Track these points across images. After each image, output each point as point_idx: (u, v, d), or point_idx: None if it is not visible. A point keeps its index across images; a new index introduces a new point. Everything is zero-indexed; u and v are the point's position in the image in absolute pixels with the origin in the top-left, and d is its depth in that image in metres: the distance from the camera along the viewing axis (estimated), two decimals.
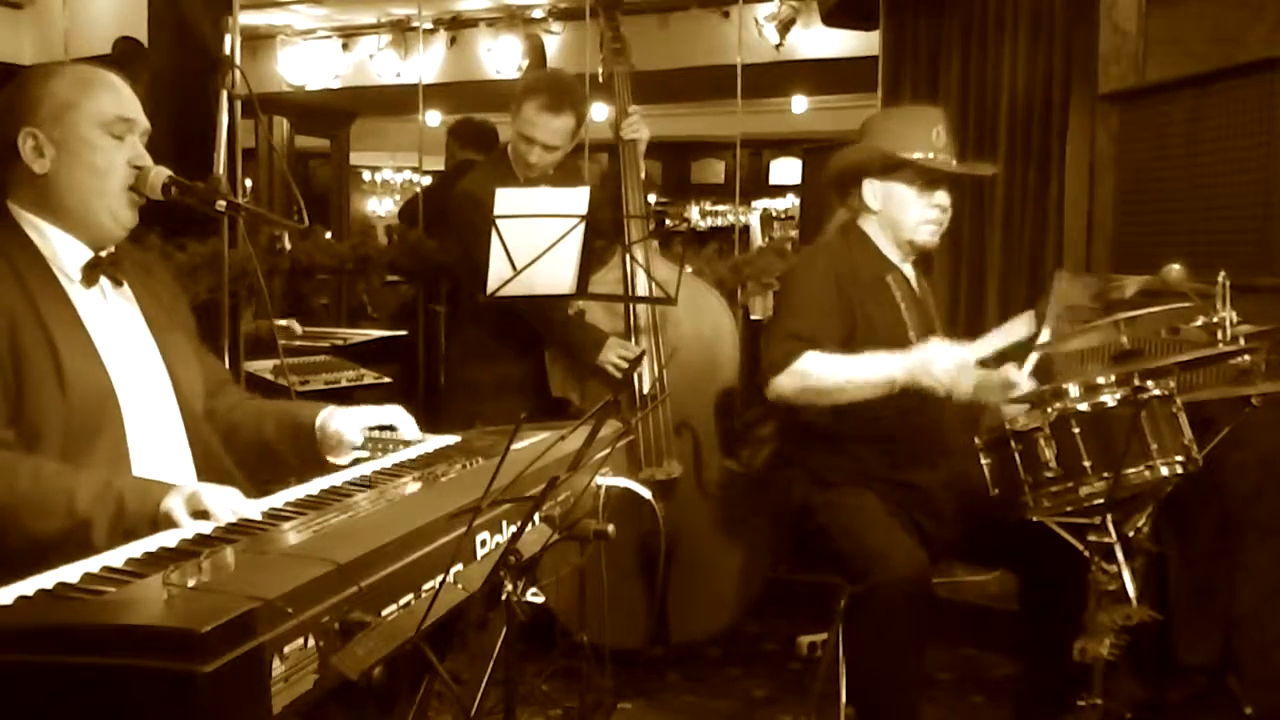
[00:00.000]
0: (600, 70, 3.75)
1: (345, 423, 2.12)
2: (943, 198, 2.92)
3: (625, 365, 3.51)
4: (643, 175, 3.67)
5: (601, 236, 3.50)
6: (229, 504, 1.73)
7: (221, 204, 2.07)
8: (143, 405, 1.97)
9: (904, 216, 2.93)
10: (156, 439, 1.98)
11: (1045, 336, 2.83)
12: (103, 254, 2.02)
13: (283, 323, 4.44)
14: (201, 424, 2.08)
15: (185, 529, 1.68)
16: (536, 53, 8.11)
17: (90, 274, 1.98)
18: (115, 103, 1.98)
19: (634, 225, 3.51)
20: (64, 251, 1.97)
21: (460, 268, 3.92)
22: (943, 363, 2.69)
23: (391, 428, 2.14)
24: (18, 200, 1.97)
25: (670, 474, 3.54)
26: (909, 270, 3.03)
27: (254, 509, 1.76)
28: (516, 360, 3.63)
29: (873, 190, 2.95)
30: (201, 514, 1.72)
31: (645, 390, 3.55)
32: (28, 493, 1.73)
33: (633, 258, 3.49)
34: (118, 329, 2.00)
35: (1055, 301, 2.83)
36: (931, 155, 2.89)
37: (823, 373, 2.76)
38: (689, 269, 3.82)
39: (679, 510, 3.51)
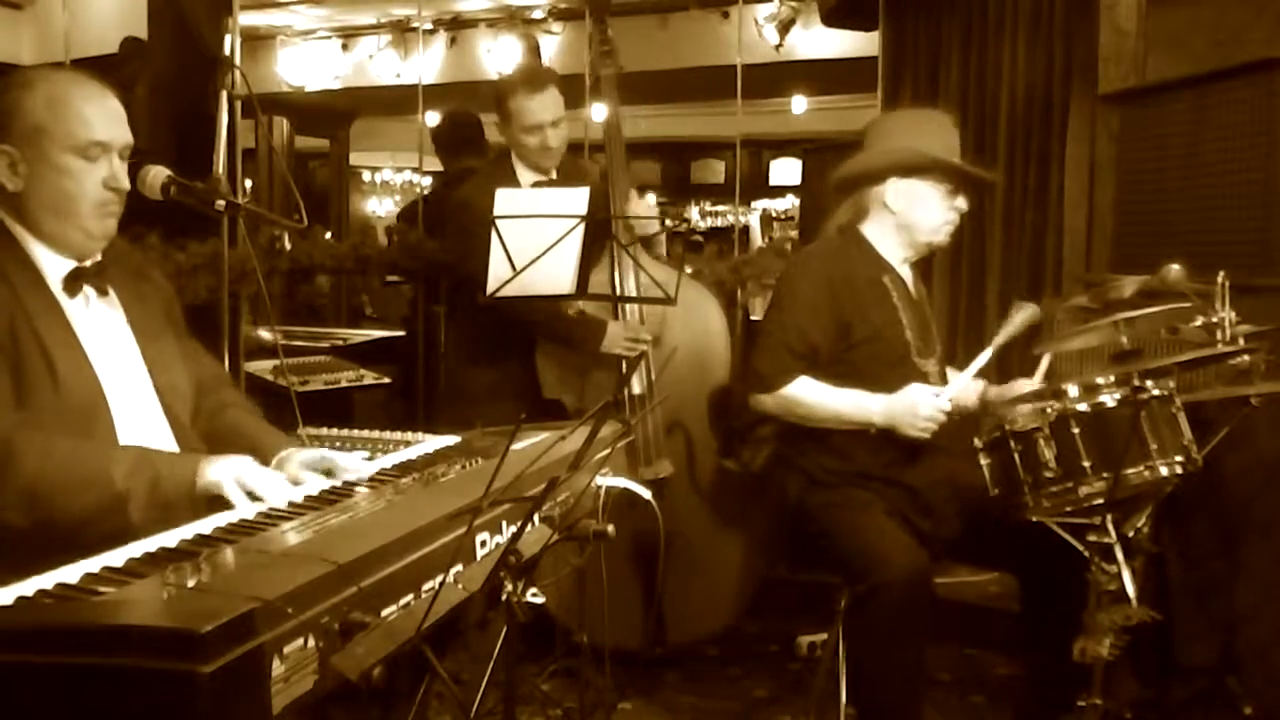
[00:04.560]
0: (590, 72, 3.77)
1: (298, 467, 2.01)
2: (963, 202, 2.94)
3: (637, 347, 3.50)
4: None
5: (605, 237, 3.49)
6: (275, 487, 1.81)
7: (221, 204, 2.08)
8: (130, 409, 1.98)
9: (926, 218, 2.93)
10: (145, 442, 1.98)
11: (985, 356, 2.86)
12: (86, 264, 2.01)
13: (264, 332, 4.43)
14: (187, 430, 2.08)
15: (235, 499, 1.77)
16: (533, 54, 8.12)
17: (72, 285, 1.98)
18: (89, 126, 1.93)
19: (625, 225, 3.50)
20: (45, 262, 1.97)
21: (458, 274, 3.92)
22: (922, 414, 2.78)
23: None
24: (1, 209, 1.97)
25: (659, 474, 3.54)
26: (907, 273, 3.03)
27: (294, 494, 1.81)
28: (511, 364, 3.63)
29: (896, 191, 2.93)
30: (249, 493, 1.80)
31: (636, 391, 3.55)
32: (63, 470, 1.77)
33: (626, 252, 3.47)
34: (103, 336, 2.01)
35: (1010, 328, 2.86)
36: (955, 160, 2.92)
37: (809, 403, 2.86)
38: (687, 269, 3.81)
39: (671, 510, 3.50)
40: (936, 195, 2.92)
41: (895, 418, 2.79)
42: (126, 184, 1.98)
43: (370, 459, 2.08)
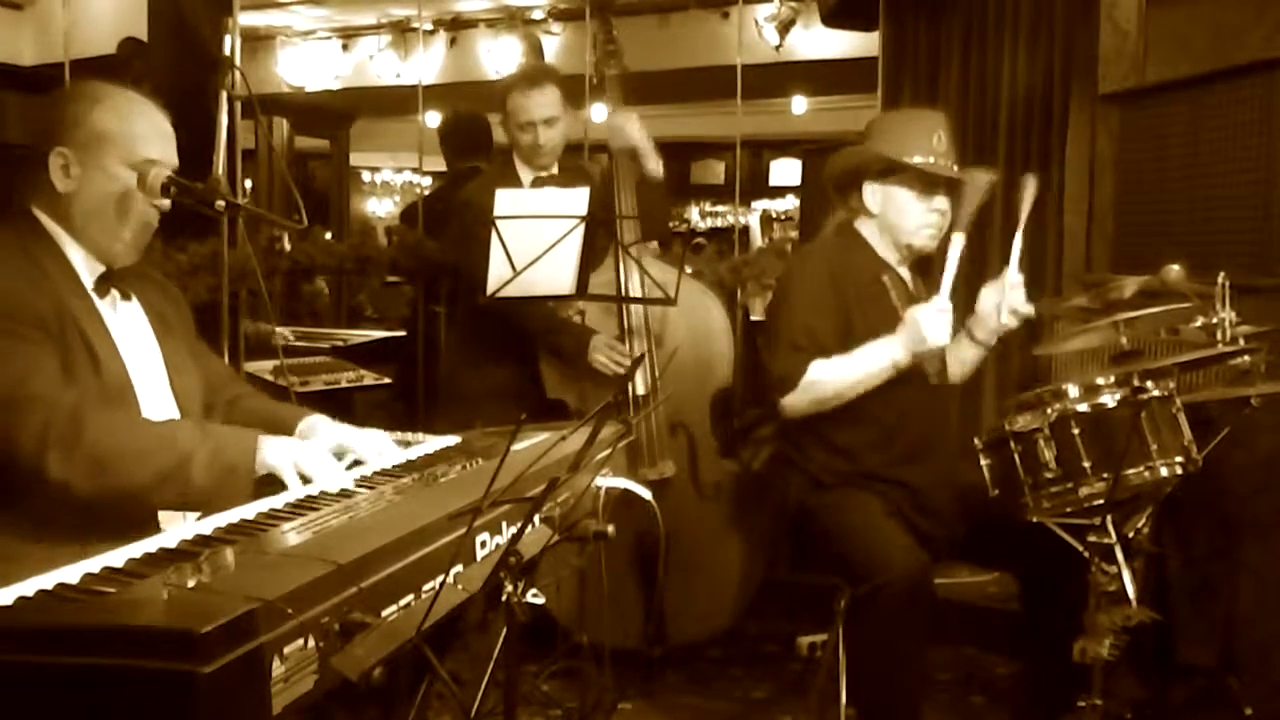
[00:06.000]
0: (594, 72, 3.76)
1: (325, 435, 2.12)
2: (941, 202, 2.92)
3: (615, 364, 3.50)
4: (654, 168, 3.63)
5: (606, 236, 3.49)
6: (329, 472, 1.90)
7: (221, 204, 2.10)
8: (152, 409, 2.06)
9: (903, 220, 2.93)
10: None
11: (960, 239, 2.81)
12: (115, 268, 2.09)
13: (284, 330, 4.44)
14: None
15: (291, 482, 1.87)
16: (535, 53, 8.13)
17: (102, 287, 2.06)
18: (148, 144, 2.04)
19: (626, 226, 3.50)
20: (79, 263, 2.05)
21: (459, 275, 3.91)
22: (934, 328, 2.72)
23: (359, 462, 2.08)
24: (40, 207, 2.04)
25: (662, 474, 3.53)
26: (905, 273, 3.03)
27: (348, 479, 1.90)
28: (509, 366, 3.63)
29: (872, 193, 2.95)
30: (303, 476, 1.89)
31: (640, 391, 3.55)
32: (128, 437, 1.87)
33: (630, 256, 3.47)
34: (131, 336, 2.09)
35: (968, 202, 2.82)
36: (931, 160, 2.88)
37: (830, 379, 2.80)
38: (687, 270, 3.81)
39: (673, 510, 3.49)
40: (910, 196, 2.91)
41: (910, 346, 2.75)
42: (167, 203, 2.07)
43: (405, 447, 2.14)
